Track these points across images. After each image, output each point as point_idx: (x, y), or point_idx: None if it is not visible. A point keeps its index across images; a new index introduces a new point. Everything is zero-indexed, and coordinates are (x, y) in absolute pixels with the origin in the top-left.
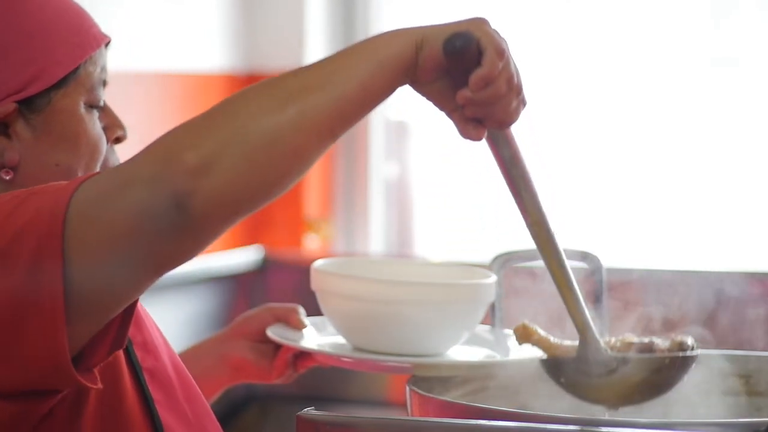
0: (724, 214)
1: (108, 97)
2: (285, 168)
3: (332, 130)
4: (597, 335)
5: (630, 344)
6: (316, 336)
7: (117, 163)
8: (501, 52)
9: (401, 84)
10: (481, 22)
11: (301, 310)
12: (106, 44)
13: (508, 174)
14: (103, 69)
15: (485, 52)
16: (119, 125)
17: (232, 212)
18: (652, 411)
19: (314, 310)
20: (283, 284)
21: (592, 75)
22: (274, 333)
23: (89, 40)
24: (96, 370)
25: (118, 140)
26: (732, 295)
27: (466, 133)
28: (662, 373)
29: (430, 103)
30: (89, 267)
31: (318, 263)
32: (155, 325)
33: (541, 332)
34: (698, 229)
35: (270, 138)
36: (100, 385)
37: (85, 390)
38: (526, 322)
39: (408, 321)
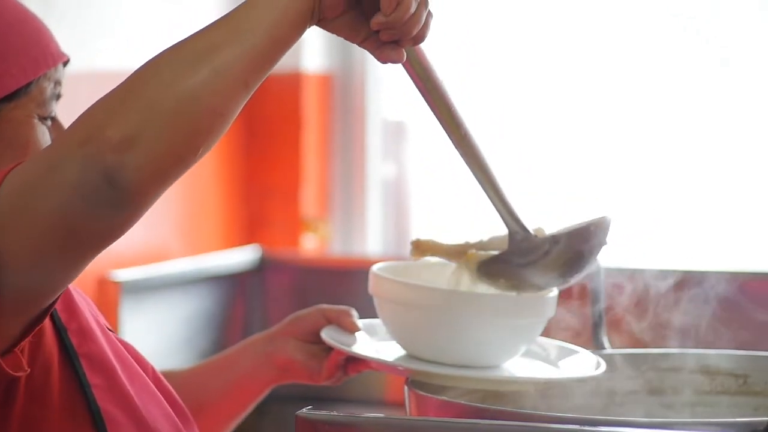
0: (722, 214)
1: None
2: (206, 128)
3: (246, 83)
4: (524, 223)
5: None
6: (369, 340)
7: None
8: None
9: (309, 25)
10: None
11: (354, 313)
12: (64, 63)
13: (424, 88)
14: (58, 84)
15: None
16: None
17: (162, 179)
18: (652, 411)
19: None
20: (281, 284)
21: (591, 75)
22: (328, 336)
23: (45, 56)
24: (20, 354)
25: None
26: (730, 295)
27: (386, 58)
28: (590, 241)
29: (341, 38)
30: (21, 258)
31: (376, 267)
32: (91, 309)
33: (439, 242)
34: (696, 228)
35: (187, 101)
36: (26, 370)
37: (10, 378)
38: (421, 237)
39: (463, 331)
